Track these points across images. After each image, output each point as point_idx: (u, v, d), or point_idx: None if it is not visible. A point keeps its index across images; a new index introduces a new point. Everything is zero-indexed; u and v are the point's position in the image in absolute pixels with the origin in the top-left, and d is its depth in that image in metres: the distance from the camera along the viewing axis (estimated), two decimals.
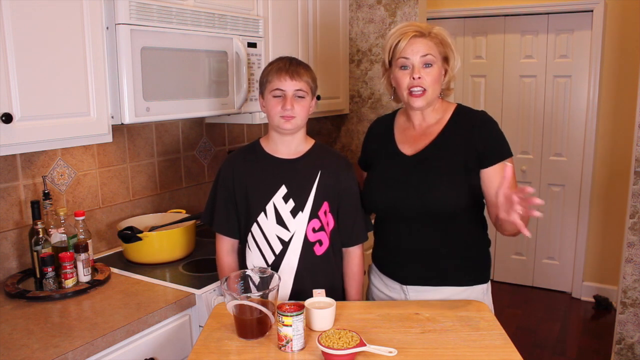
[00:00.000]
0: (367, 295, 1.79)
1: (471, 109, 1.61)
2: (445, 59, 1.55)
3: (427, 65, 1.50)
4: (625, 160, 3.39)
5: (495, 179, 1.48)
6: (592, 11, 3.60)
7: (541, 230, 4.04)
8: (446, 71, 1.56)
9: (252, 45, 2.11)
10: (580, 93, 3.77)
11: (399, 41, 1.51)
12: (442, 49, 1.53)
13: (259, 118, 2.31)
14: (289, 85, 1.50)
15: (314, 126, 3.26)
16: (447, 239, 1.56)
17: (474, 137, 1.51)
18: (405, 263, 1.60)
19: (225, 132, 2.66)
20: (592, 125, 3.71)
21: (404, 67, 1.52)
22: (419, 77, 1.49)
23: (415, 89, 1.50)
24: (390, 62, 1.57)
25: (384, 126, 1.69)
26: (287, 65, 1.52)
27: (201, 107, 1.92)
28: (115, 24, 1.62)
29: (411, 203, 1.54)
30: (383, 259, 1.68)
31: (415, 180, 1.54)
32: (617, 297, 2.80)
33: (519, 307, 3.78)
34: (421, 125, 1.60)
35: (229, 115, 2.14)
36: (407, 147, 1.60)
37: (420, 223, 1.56)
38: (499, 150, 1.50)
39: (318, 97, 2.68)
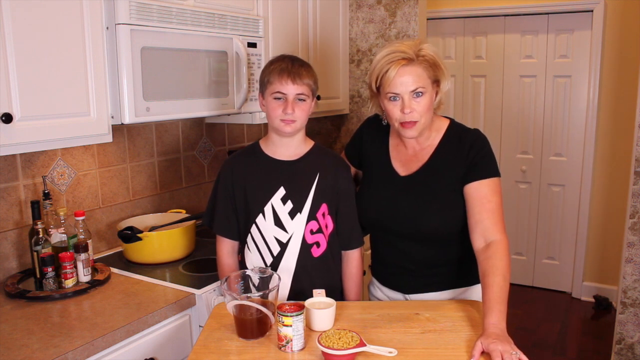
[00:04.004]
0: None
1: (464, 127, 1.57)
2: (436, 81, 1.49)
3: (418, 94, 1.44)
4: (625, 160, 3.39)
5: (475, 195, 1.45)
6: (592, 11, 3.60)
7: (541, 230, 4.05)
8: (437, 92, 1.51)
9: (252, 45, 2.11)
10: (580, 93, 3.77)
11: (387, 71, 1.44)
12: (431, 72, 1.46)
13: (259, 118, 2.31)
14: (291, 89, 1.48)
15: (313, 126, 3.26)
16: (442, 253, 1.56)
17: (465, 156, 1.49)
18: (403, 275, 1.61)
19: (225, 132, 2.66)
20: (592, 125, 3.70)
21: (393, 98, 1.46)
22: (410, 112, 1.43)
23: (407, 122, 1.45)
24: (377, 89, 1.51)
25: (380, 133, 1.64)
26: (290, 67, 1.49)
27: (201, 107, 1.92)
28: (115, 24, 1.62)
29: (402, 225, 1.53)
30: (381, 272, 1.69)
31: (407, 203, 1.53)
32: (617, 297, 2.80)
33: (519, 307, 3.77)
34: (414, 147, 1.56)
35: (229, 115, 2.14)
36: (400, 165, 1.58)
37: (413, 241, 1.56)
38: (483, 168, 1.47)
39: (318, 97, 2.68)
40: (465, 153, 1.49)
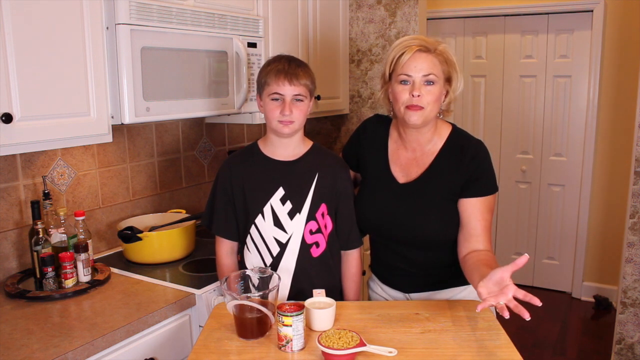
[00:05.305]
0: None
1: (466, 135, 1.56)
2: (448, 80, 1.50)
3: (429, 83, 1.45)
4: (625, 160, 3.39)
5: (472, 211, 1.47)
6: (592, 11, 3.60)
7: (541, 230, 4.05)
8: (447, 92, 1.51)
9: (252, 45, 2.11)
10: (580, 93, 3.77)
11: (402, 54, 1.45)
12: (445, 67, 1.48)
13: (259, 118, 2.31)
14: (288, 90, 1.48)
15: (314, 126, 3.26)
16: (441, 256, 1.56)
17: (465, 168, 1.48)
18: (403, 276, 1.61)
19: (225, 132, 2.66)
20: (592, 125, 3.70)
21: (404, 82, 1.46)
22: (419, 95, 1.43)
23: (413, 105, 1.44)
24: (390, 75, 1.51)
25: (379, 135, 1.63)
26: (286, 68, 1.48)
27: (201, 107, 1.92)
28: (115, 24, 1.62)
29: (401, 231, 1.54)
30: (381, 272, 1.69)
31: (405, 210, 1.52)
32: (617, 297, 2.80)
33: None
34: (415, 150, 1.55)
35: (229, 115, 2.14)
36: (399, 171, 1.57)
37: (412, 247, 1.56)
38: (483, 185, 1.48)
39: (318, 97, 2.69)
40: (466, 165, 1.48)
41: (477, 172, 1.48)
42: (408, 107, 1.45)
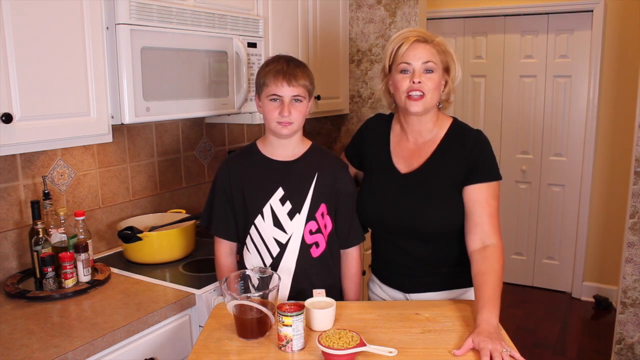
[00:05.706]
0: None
1: (467, 126, 1.58)
2: (447, 69, 1.53)
3: (428, 71, 1.48)
4: (625, 160, 3.39)
5: (476, 198, 1.46)
6: (592, 11, 3.60)
7: (541, 230, 4.05)
8: (446, 82, 1.54)
9: (252, 45, 2.11)
10: (580, 93, 3.77)
11: (401, 45, 1.49)
12: (443, 57, 1.51)
13: (259, 118, 2.31)
14: (286, 91, 1.47)
15: (314, 126, 3.26)
16: (442, 252, 1.56)
17: (467, 156, 1.49)
18: (404, 274, 1.61)
19: (225, 132, 2.66)
20: (592, 125, 3.71)
21: (404, 71, 1.49)
22: (419, 82, 1.46)
23: (414, 93, 1.47)
24: (390, 67, 1.54)
25: (381, 131, 1.65)
26: (285, 68, 1.48)
27: (201, 107, 1.92)
28: (115, 24, 1.62)
29: (403, 222, 1.54)
30: (382, 270, 1.69)
31: (407, 201, 1.53)
32: (617, 297, 2.80)
33: (519, 307, 3.78)
34: (416, 140, 1.57)
35: (229, 115, 2.14)
36: (402, 162, 1.58)
37: (414, 239, 1.56)
38: (485, 171, 1.48)
39: (318, 97, 2.69)
40: (467, 153, 1.50)
41: (478, 160, 1.49)
42: (409, 96, 1.48)
